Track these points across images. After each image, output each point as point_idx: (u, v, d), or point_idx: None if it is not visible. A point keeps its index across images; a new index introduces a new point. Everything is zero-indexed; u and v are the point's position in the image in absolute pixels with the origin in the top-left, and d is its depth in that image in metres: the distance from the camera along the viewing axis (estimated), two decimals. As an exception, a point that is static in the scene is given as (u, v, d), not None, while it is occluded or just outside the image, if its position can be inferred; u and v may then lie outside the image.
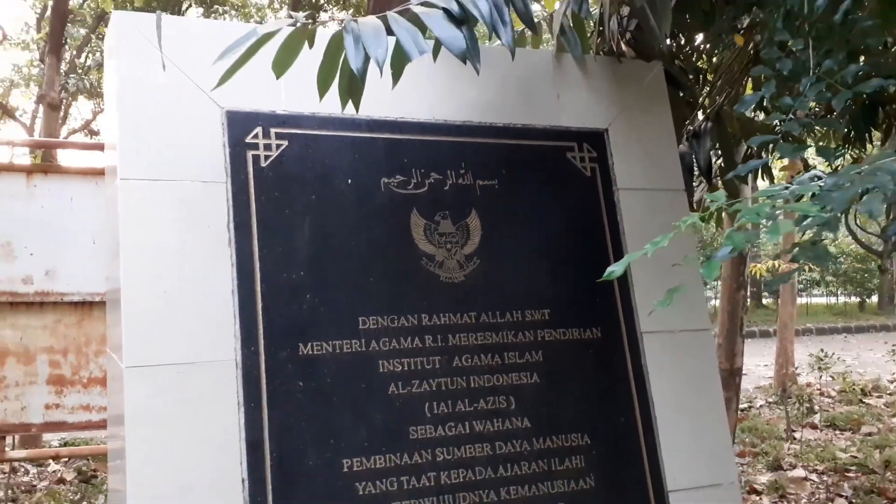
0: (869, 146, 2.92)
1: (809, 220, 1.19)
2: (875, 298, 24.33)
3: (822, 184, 1.17)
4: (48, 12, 11.46)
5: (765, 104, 2.08)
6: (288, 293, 1.93)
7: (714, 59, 3.15)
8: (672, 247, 1.74)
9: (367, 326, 1.98)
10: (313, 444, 1.87)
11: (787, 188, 1.21)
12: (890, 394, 9.97)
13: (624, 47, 2.50)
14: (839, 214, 1.14)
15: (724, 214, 2.44)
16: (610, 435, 2.14)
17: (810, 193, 1.17)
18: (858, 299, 24.58)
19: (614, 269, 1.29)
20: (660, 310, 2.20)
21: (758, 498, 5.77)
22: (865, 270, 20.77)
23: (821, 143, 3.42)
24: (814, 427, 8.04)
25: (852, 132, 2.89)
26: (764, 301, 23.75)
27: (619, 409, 2.17)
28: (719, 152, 2.82)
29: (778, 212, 1.14)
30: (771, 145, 1.66)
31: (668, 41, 2.49)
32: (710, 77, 3.15)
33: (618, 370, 2.20)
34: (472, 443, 2.00)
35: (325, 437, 1.88)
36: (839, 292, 24.45)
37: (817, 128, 3.25)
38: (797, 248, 1.27)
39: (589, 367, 2.18)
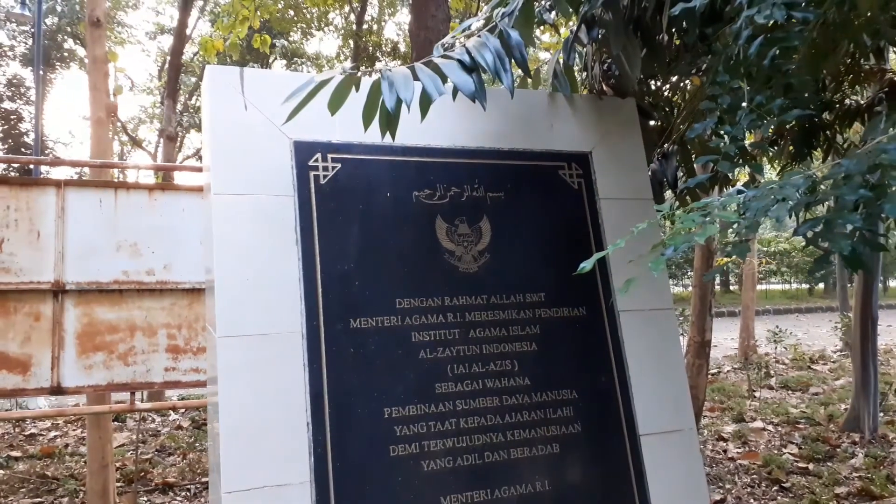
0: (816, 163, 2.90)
1: (735, 224, 1.20)
2: (822, 285, 23.83)
3: (743, 196, 1.17)
4: (167, 65, 11.66)
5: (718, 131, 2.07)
6: (341, 280, 1.95)
7: (682, 95, 3.13)
8: (642, 243, 1.75)
9: (402, 306, 1.99)
10: (361, 396, 1.88)
11: (717, 199, 1.22)
12: (833, 361, 9.77)
13: (604, 87, 2.49)
14: (758, 220, 1.15)
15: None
16: (593, 390, 2.13)
17: (735, 203, 1.17)
18: (808, 286, 24.09)
19: (585, 265, 1.30)
20: (633, 292, 2.22)
21: (724, 444, 5.70)
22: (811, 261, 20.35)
23: (767, 162, 3.38)
24: (770, 388, 7.92)
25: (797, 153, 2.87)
26: (731, 287, 23.35)
27: (600, 371, 2.16)
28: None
29: (707, 218, 1.15)
30: (714, 163, 1.66)
31: (640, 82, 2.48)
32: (682, 108, 3.12)
33: (599, 340, 2.18)
34: (484, 396, 2.00)
35: (371, 391, 1.90)
36: (792, 280, 23.98)
37: (772, 148, 3.23)
38: (729, 245, 1.28)
39: (576, 337, 2.16)
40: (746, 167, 1.66)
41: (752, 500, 4.44)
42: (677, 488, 2.12)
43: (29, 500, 4.46)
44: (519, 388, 2.05)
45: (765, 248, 19.73)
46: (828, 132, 2.96)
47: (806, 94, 1.69)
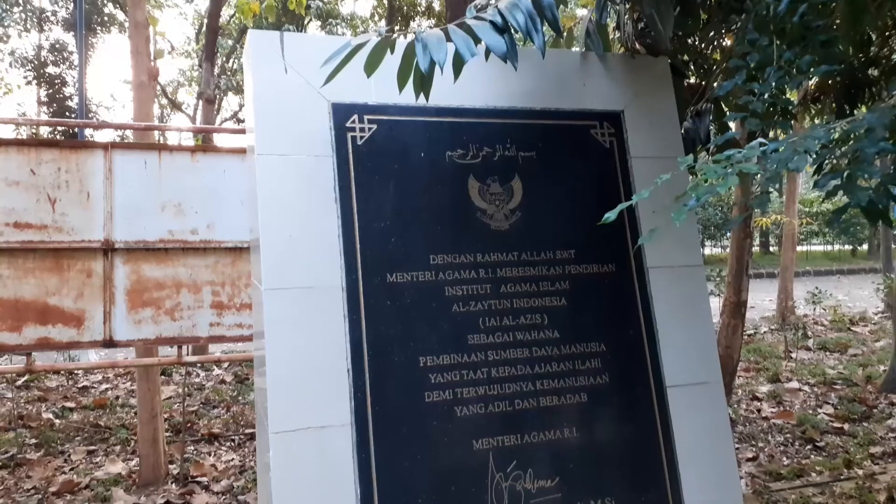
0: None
1: (760, 175, 1.25)
2: (865, 246, 23.30)
3: (765, 148, 1.21)
4: (204, 28, 11.74)
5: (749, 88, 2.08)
6: (378, 236, 2.02)
7: (717, 52, 3.10)
8: (671, 198, 1.78)
9: (436, 262, 2.07)
10: (398, 345, 1.98)
11: (739, 152, 1.26)
12: (874, 323, 9.64)
13: (637, 46, 2.49)
14: (780, 171, 1.19)
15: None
16: (621, 343, 2.19)
17: (756, 156, 1.21)
18: (851, 247, 23.57)
19: (609, 215, 1.35)
20: (663, 249, 2.26)
21: (759, 403, 5.73)
22: (857, 223, 19.83)
23: (810, 120, 3.35)
24: (808, 349, 7.87)
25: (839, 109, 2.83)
26: (771, 249, 22.98)
27: (628, 324, 2.21)
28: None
29: (729, 170, 1.19)
30: (743, 120, 1.68)
31: (674, 40, 2.48)
32: (716, 66, 3.10)
33: (627, 295, 2.23)
34: (514, 347, 2.08)
35: (407, 341, 1.99)
36: (835, 242, 23.48)
37: (815, 105, 3.18)
38: (753, 197, 1.32)
39: (605, 293, 2.21)
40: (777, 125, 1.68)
41: (784, 458, 4.49)
42: (703, 438, 2.19)
43: (84, 447, 4.73)
44: (548, 340, 2.12)
45: (806, 209, 19.28)
46: (873, 88, 2.91)
47: (839, 49, 1.69)
